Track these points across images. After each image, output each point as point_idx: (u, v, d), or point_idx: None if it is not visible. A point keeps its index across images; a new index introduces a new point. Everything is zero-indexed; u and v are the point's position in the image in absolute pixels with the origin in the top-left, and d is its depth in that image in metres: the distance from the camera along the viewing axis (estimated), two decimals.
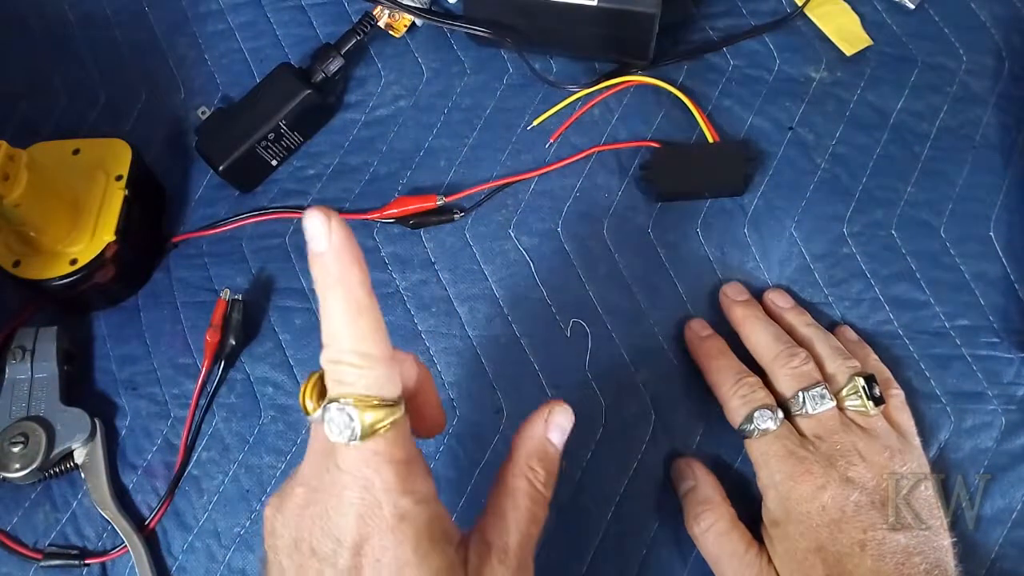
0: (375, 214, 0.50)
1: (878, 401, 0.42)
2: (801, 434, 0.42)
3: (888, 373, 0.45)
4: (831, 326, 0.46)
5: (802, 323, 0.45)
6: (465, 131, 0.52)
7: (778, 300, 0.47)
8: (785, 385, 0.43)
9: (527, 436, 0.35)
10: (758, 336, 0.45)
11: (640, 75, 0.52)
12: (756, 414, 0.42)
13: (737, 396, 0.43)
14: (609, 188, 0.50)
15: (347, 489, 0.30)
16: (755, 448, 0.42)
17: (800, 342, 0.45)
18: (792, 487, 0.40)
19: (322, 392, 0.30)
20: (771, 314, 0.46)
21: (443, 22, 0.52)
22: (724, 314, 0.47)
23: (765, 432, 0.41)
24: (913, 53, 0.52)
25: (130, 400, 0.48)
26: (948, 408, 0.45)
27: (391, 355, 0.30)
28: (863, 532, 0.38)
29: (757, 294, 0.47)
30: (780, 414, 0.42)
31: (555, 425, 0.35)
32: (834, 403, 0.42)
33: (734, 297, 0.47)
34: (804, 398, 0.42)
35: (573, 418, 0.36)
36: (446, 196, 0.50)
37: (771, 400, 0.42)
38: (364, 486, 0.29)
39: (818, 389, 0.42)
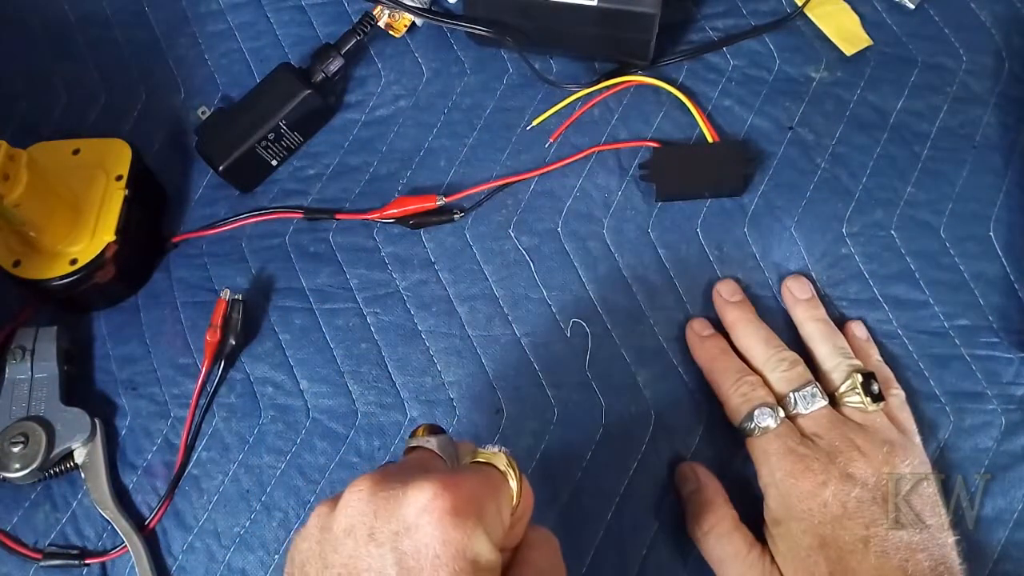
0: (375, 214, 0.50)
1: (876, 398, 0.42)
2: (802, 432, 0.42)
3: (889, 372, 0.45)
4: (841, 321, 0.46)
5: (810, 318, 0.46)
6: (465, 131, 0.52)
7: (795, 289, 0.47)
8: (778, 387, 0.43)
9: None
10: (748, 340, 0.45)
11: (640, 75, 0.52)
12: (756, 412, 0.42)
13: (738, 394, 0.43)
14: (609, 188, 0.50)
15: None
16: (756, 446, 0.42)
17: (804, 339, 0.45)
18: (793, 484, 0.40)
19: None
20: (785, 303, 0.47)
21: (443, 22, 0.52)
22: (717, 313, 0.47)
23: (765, 430, 0.42)
24: (913, 53, 0.52)
25: (130, 400, 0.48)
26: (947, 408, 0.45)
27: None
28: (865, 528, 0.38)
29: (756, 294, 0.47)
30: (780, 412, 0.42)
31: None
32: (825, 402, 0.42)
33: (728, 298, 0.47)
34: (795, 398, 0.42)
35: None
36: (446, 196, 0.50)
37: (771, 398, 0.43)
38: None
39: (808, 389, 0.42)
